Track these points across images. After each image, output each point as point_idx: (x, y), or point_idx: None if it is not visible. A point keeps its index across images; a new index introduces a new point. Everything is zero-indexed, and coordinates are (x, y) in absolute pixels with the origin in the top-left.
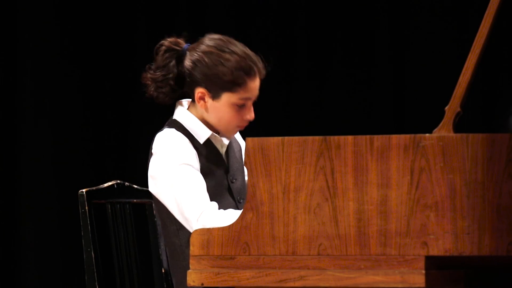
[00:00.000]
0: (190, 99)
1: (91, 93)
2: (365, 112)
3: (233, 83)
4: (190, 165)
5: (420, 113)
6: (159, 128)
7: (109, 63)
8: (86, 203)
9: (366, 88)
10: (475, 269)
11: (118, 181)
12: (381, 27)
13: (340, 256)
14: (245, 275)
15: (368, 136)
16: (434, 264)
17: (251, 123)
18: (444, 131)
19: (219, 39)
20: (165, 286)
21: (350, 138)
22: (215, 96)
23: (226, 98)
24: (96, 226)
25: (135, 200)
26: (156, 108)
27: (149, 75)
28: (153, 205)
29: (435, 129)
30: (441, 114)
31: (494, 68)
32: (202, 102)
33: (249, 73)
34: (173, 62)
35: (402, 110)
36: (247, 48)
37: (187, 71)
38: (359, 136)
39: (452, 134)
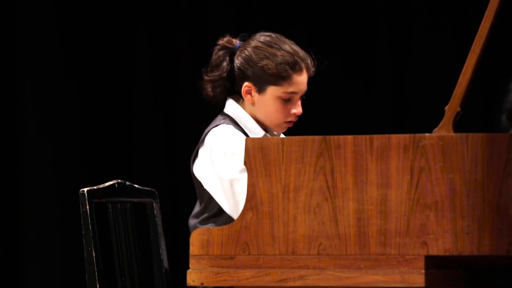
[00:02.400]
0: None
1: (91, 93)
2: (365, 112)
3: (277, 77)
4: None
5: (420, 113)
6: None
7: (109, 63)
8: (87, 202)
9: (366, 88)
10: (475, 269)
11: (119, 180)
12: (381, 27)
13: (340, 256)
14: (245, 274)
15: (368, 136)
16: (433, 264)
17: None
18: (444, 130)
19: (269, 35)
20: (165, 285)
21: (350, 138)
22: (260, 90)
23: (271, 91)
24: (96, 225)
25: (136, 200)
26: (156, 108)
27: (205, 77)
28: (196, 189)
29: (435, 129)
30: (441, 114)
31: (494, 68)
32: (249, 96)
33: (294, 67)
34: (226, 60)
35: (402, 110)
36: (298, 46)
37: (237, 67)
38: (359, 136)
39: (452, 133)
